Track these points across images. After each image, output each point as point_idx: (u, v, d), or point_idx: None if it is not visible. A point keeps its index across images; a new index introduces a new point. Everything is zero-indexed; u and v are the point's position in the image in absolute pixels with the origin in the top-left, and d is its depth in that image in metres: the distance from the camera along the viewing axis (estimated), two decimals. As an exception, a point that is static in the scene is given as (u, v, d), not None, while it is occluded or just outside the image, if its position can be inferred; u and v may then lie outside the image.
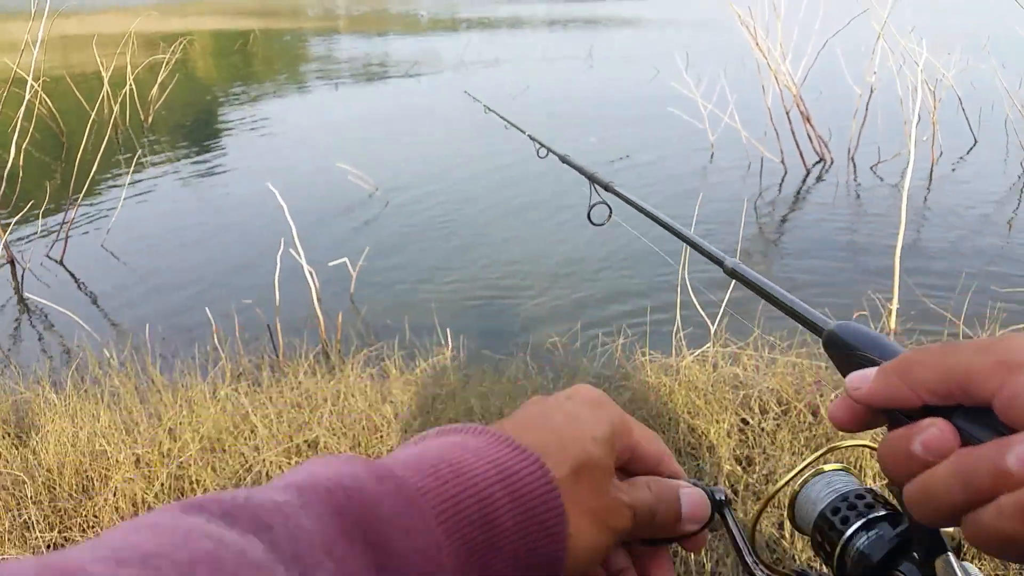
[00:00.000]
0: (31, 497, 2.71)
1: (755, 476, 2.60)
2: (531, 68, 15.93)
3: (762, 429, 2.86)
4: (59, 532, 2.59)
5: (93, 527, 2.60)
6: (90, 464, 2.86)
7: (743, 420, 2.96)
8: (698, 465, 2.68)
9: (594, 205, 1.63)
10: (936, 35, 6.36)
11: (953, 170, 7.67)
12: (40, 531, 2.57)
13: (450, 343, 4.08)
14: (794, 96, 7.72)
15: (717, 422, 2.87)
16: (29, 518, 2.61)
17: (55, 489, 2.76)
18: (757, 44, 7.54)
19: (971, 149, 8.38)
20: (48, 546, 2.54)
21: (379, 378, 3.60)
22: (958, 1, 22.16)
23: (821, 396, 2.99)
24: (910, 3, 7.51)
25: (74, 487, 2.77)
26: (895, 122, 8.32)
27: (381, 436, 2.98)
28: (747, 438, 2.85)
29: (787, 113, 7.84)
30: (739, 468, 2.68)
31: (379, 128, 11.02)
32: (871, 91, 7.83)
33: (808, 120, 7.91)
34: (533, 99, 12.20)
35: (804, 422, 2.88)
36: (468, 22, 26.01)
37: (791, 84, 7.72)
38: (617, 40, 21.55)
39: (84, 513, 2.64)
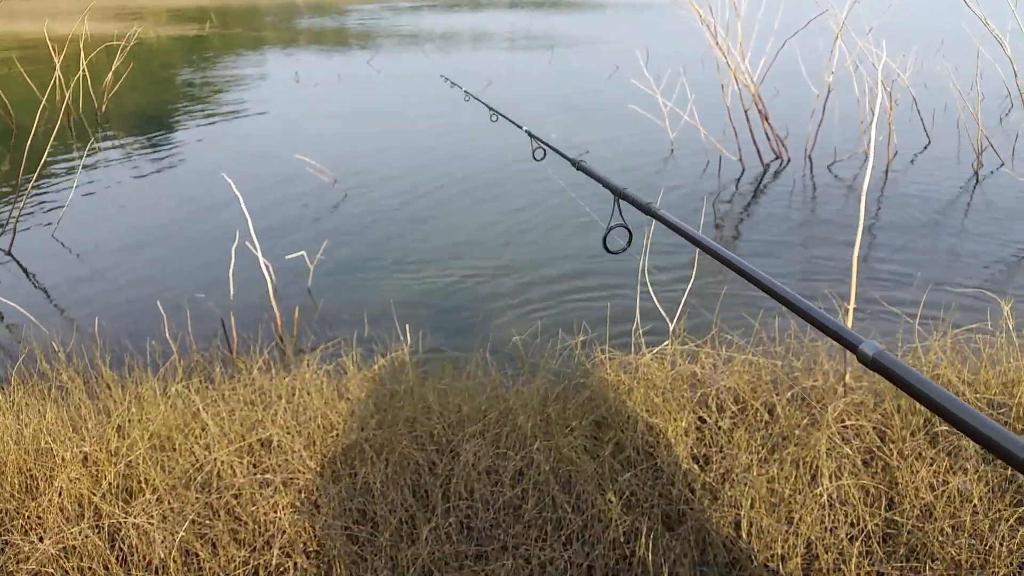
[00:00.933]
0: (-29, 497, 2.63)
1: (712, 475, 2.61)
2: (494, 62, 15.90)
3: (719, 428, 2.87)
4: None
5: (35, 529, 2.52)
6: (34, 462, 2.77)
7: (700, 418, 2.97)
8: (655, 464, 2.68)
9: (612, 228, 1.34)
10: (892, 37, 6.45)
11: (907, 169, 7.79)
12: (-20, 533, 2.49)
13: (409, 339, 4.04)
14: (752, 95, 7.78)
15: (675, 420, 2.88)
16: (-32, 519, 2.52)
17: (-3, 489, 2.67)
18: (717, 43, 7.58)
19: (925, 148, 8.52)
20: (-11, 548, 2.46)
21: (336, 375, 3.55)
22: (914, 4, 22.53)
23: (777, 395, 3.01)
24: (867, 5, 7.60)
25: (16, 487, 2.68)
26: (851, 122, 8.45)
27: (337, 434, 2.93)
28: (704, 436, 2.86)
29: (745, 112, 7.91)
30: (696, 467, 2.68)
31: (339, 120, 10.90)
32: (828, 91, 7.93)
33: (766, 119, 7.98)
34: (496, 93, 12.16)
35: (760, 421, 2.90)
36: (431, 32, 25.90)
37: (750, 83, 7.78)
38: (578, 36, 21.59)
39: (26, 514, 2.56)
